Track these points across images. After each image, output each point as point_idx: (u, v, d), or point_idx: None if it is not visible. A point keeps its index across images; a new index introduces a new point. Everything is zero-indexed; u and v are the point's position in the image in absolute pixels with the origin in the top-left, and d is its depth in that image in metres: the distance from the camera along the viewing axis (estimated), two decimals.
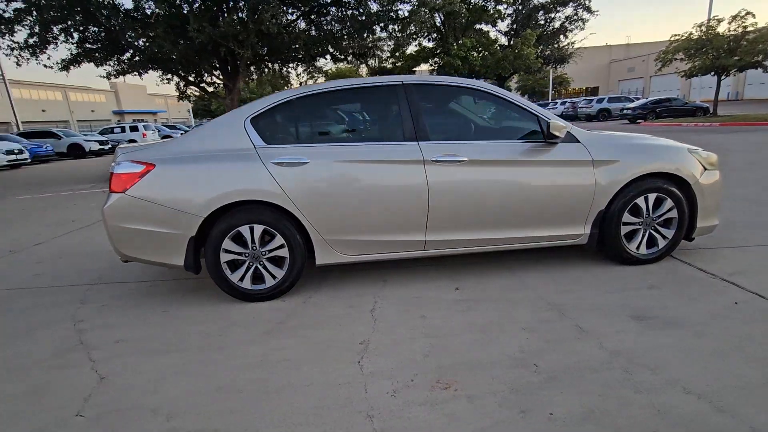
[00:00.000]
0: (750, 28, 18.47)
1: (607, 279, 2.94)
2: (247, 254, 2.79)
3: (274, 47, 10.62)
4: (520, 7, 16.04)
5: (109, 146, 20.66)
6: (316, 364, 2.12)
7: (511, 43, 14.79)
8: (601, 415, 1.64)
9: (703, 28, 19.69)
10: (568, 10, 15.84)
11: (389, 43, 13.21)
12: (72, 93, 45.23)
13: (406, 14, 11.60)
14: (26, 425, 1.77)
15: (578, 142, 2.96)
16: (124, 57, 10.82)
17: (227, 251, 2.75)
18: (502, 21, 17.31)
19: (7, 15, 9.12)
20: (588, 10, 16.13)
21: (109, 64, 10.86)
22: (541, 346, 2.16)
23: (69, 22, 9.40)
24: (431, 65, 15.18)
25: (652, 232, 3.11)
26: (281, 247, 2.80)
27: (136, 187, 2.68)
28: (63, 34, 9.80)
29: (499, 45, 16.27)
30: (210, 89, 12.36)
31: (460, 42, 13.40)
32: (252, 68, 12.60)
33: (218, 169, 2.70)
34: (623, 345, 2.12)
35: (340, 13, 11.17)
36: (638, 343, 2.13)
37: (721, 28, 19.50)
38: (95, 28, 9.86)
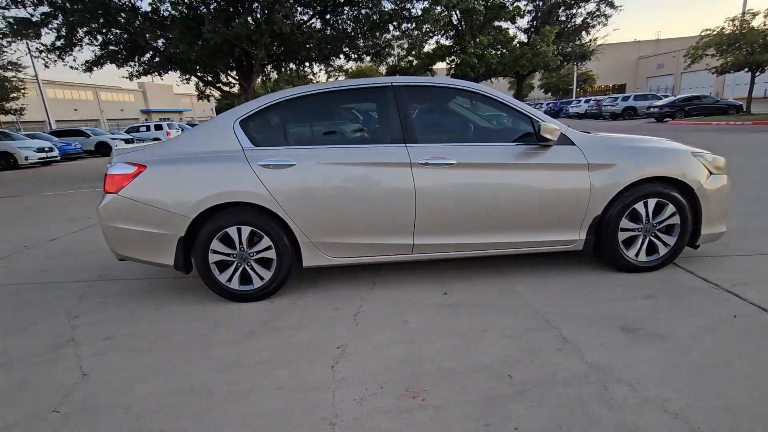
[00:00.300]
0: None
1: (602, 287, 2.84)
2: (235, 255, 2.82)
3: (287, 47, 10.73)
4: (540, 3, 15.67)
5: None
6: (290, 367, 2.12)
7: (530, 40, 14.47)
8: None
9: (737, 23, 18.78)
10: (591, 6, 15.40)
11: (403, 41, 13.12)
12: (102, 93, 46.95)
13: (419, 13, 11.51)
14: (0, 419, 1.84)
15: (573, 144, 2.86)
16: (145, 58, 11.16)
17: (215, 252, 2.79)
18: (522, 18, 16.98)
19: (35, 19, 9.53)
20: (611, 5, 15.59)
21: (131, 65, 11.21)
22: (519, 357, 2.10)
23: (93, 25, 9.74)
24: (448, 63, 15.03)
25: (653, 238, 2.98)
26: (268, 248, 2.81)
27: (128, 187, 2.74)
28: (87, 37, 10.16)
29: (518, 42, 15.97)
30: (226, 89, 12.59)
31: (476, 40, 13.20)
32: (269, 68, 12.77)
33: (206, 170, 2.74)
34: (605, 358, 2.04)
35: (354, 13, 11.17)
36: (621, 356, 2.05)
37: (756, 22, 18.57)
38: (117, 30, 10.19)
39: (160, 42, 10.15)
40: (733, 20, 18.92)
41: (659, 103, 23.44)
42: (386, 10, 10.52)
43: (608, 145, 2.93)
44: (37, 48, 10.30)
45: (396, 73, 15.53)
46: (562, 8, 15.31)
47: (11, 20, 9.38)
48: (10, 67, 17.15)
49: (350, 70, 32.60)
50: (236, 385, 2.00)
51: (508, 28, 16.25)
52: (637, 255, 2.99)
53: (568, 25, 15.73)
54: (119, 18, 9.22)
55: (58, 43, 10.23)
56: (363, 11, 10.91)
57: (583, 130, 3.23)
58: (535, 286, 2.91)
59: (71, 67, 11.16)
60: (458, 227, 2.85)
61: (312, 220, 2.77)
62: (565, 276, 3.05)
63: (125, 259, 2.95)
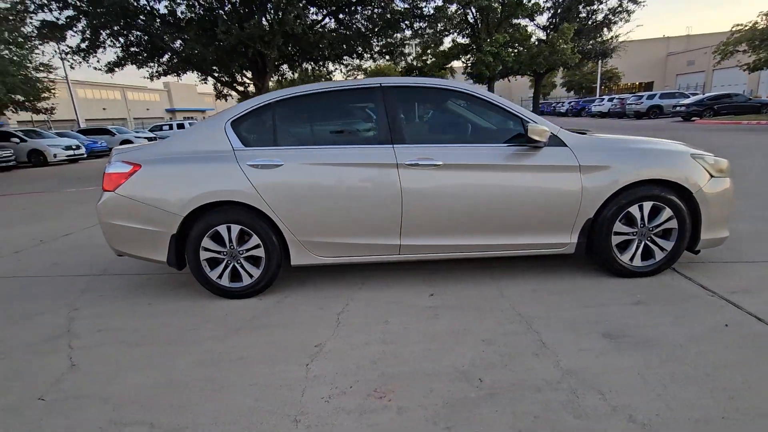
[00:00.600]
0: None
1: (592, 292, 2.78)
2: (225, 253, 2.88)
3: (300, 47, 10.86)
4: (560, 0, 15.32)
5: None
6: (267, 365, 2.16)
7: (548, 38, 14.17)
8: None
9: None
10: (612, 2, 14.94)
11: (416, 40, 13.07)
12: (129, 92, 48.54)
13: (432, 12, 11.43)
14: None
15: (565, 146, 2.81)
16: (164, 59, 11.49)
17: (206, 249, 2.86)
18: (541, 14, 16.65)
19: (60, 22, 9.94)
20: (634, 1, 15.09)
21: (150, 66, 11.56)
22: (494, 361, 2.08)
23: (115, 27, 10.08)
24: (464, 62, 14.88)
25: (648, 243, 2.89)
26: (257, 246, 2.87)
27: (124, 186, 2.84)
28: (110, 39, 10.53)
29: (537, 40, 15.68)
30: (241, 89, 12.84)
31: (492, 38, 13.02)
32: (284, 67, 12.94)
33: (197, 170, 2.81)
34: (581, 364, 2.00)
35: (366, 12, 11.19)
36: (598, 363, 2.00)
37: None
38: (137, 33, 10.52)
39: (178, 43, 10.43)
40: (767, 15, 18.07)
41: (686, 101, 22.59)
42: (398, 9, 10.50)
43: (602, 146, 2.86)
44: (63, 50, 10.74)
45: (412, 71, 15.49)
46: (583, 4, 14.93)
47: (38, 24, 9.80)
48: (42, 69, 17.87)
49: (369, 69, 32.67)
50: (213, 381, 2.05)
51: (526, 26, 15.98)
52: (631, 260, 2.91)
53: (589, 22, 15.32)
54: (138, 20, 9.51)
55: (82, 45, 10.64)
56: (375, 11, 10.92)
57: (580, 130, 3.16)
58: (524, 289, 2.87)
59: (95, 68, 11.61)
60: (445, 229, 2.84)
61: (299, 220, 2.81)
62: (557, 280, 3.00)
63: (123, 254, 3.06)
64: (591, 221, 2.83)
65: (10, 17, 10.55)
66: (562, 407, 1.72)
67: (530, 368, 2.00)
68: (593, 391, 1.80)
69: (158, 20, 9.74)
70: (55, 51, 10.23)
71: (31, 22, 10.01)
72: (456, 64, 16.43)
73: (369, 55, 12.31)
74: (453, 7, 12.88)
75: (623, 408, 1.69)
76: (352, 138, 3.06)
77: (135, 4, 9.03)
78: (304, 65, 13.31)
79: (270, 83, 12.43)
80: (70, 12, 9.74)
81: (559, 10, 15.89)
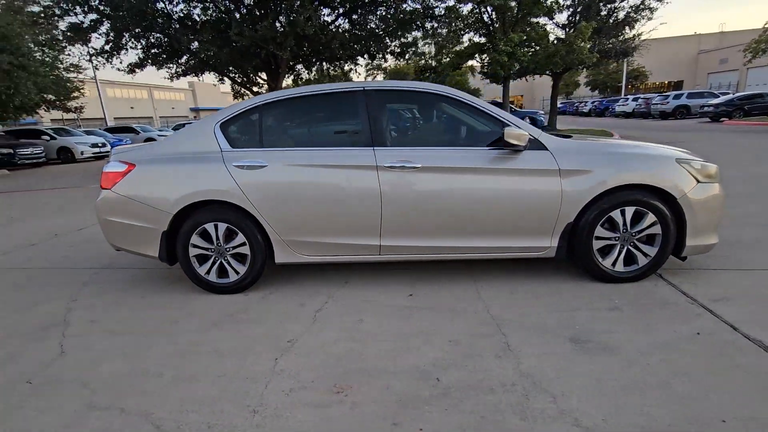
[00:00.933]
0: None
1: (570, 296, 2.77)
2: (213, 250, 3.00)
3: (312, 48, 11.02)
4: None
5: None
6: (238, 357, 2.26)
7: (566, 36, 13.89)
8: None
9: None
10: None
11: (428, 41, 13.04)
12: (156, 91, 50.10)
13: (443, 12, 11.38)
14: None
15: (546, 149, 2.80)
16: (182, 60, 11.86)
17: (195, 246, 2.99)
18: (560, 13, 16.33)
19: (85, 25, 10.39)
20: None
21: (169, 67, 11.95)
22: (455, 361, 2.11)
23: (136, 30, 10.48)
24: (478, 62, 14.76)
25: (631, 248, 2.86)
26: (243, 244, 2.97)
27: (120, 184, 2.99)
28: (132, 41, 10.95)
29: (557, 38, 15.40)
30: (255, 89, 13.11)
31: (507, 37, 12.87)
32: (299, 67, 13.15)
33: (187, 170, 2.93)
34: (540, 368, 2.01)
35: (380, 12, 11.25)
36: (558, 367, 2.01)
37: None
38: (158, 35, 10.89)
39: (195, 45, 10.75)
40: None
41: (715, 101, 21.74)
42: (408, 9, 10.52)
43: (584, 150, 2.84)
44: (88, 52, 11.23)
45: (426, 71, 15.46)
46: (603, 2, 14.55)
47: (65, 28, 10.29)
48: (72, 69, 18.65)
49: (389, 68, 32.70)
50: (185, 371, 2.16)
51: (545, 25, 15.71)
52: (613, 265, 2.88)
53: (609, 21, 14.92)
54: (156, 23, 9.86)
55: (106, 47, 11.09)
56: (386, 11, 10.96)
57: (564, 135, 3.15)
58: (502, 292, 2.89)
59: (118, 69, 12.08)
60: (424, 230, 2.88)
61: (282, 219, 2.90)
62: (537, 283, 3.00)
63: (120, 249, 3.22)
64: (571, 225, 2.82)
65: (41, 20, 11.09)
66: (511, 409, 1.75)
67: (489, 370, 2.03)
68: (545, 395, 1.82)
69: (175, 23, 10.08)
70: (80, 53, 10.75)
71: (58, 26, 10.51)
72: (471, 63, 16.31)
73: (381, 55, 12.39)
74: (468, 7, 12.80)
75: (571, 412, 1.71)
76: (335, 140, 3.13)
77: (152, 7, 9.37)
78: (319, 65, 13.48)
79: (285, 83, 12.66)
80: (94, 16, 10.19)
81: (579, 8, 15.55)
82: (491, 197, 2.79)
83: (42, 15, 10.48)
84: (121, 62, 11.79)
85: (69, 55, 15.90)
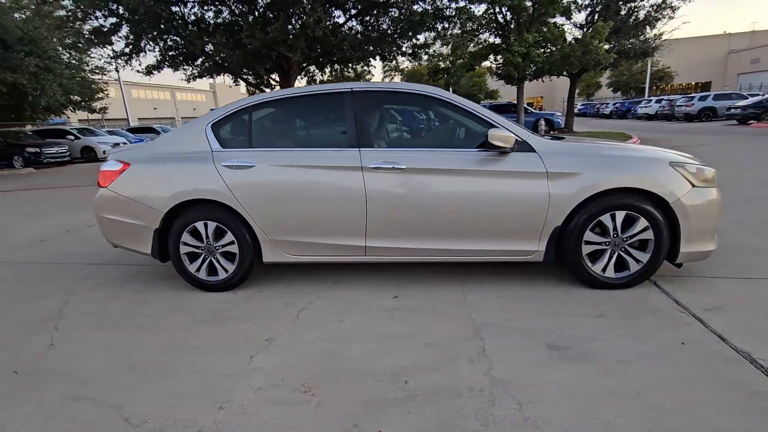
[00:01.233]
0: None
1: (557, 301, 2.71)
2: (202, 248, 3.06)
3: (324, 50, 11.12)
4: None
5: None
6: (216, 354, 2.30)
7: (583, 36, 13.60)
8: None
9: None
10: None
11: (439, 41, 12.97)
12: (178, 93, 51.43)
13: (454, 13, 11.30)
14: None
15: (534, 151, 2.76)
16: (197, 62, 12.14)
17: (186, 244, 3.05)
18: (579, 12, 16.03)
19: (105, 29, 10.76)
20: None
21: (185, 69, 12.25)
22: (428, 364, 2.10)
23: (154, 33, 10.79)
24: (491, 62, 14.60)
25: (622, 254, 2.78)
26: (232, 243, 3.02)
27: (115, 183, 3.09)
28: (150, 44, 11.28)
29: (574, 39, 15.11)
30: (268, 90, 13.31)
31: (521, 37, 12.69)
32: (312, 69, 13.29)
33: (178, 169, 3.00)
34: (512, 374, 1.98)
35: (392, 13, 11.27)
36: (531, 373, 1.98)
37: None
38: (175, 38, 11.19)
39: (209, 47, 10.99)
40: None
41: (742, 103, 20.92)
42: (419, 10, 10.49)
43: (573, 153, 2.78)
44: (109, 54, 11.63)
45: (439, 73, 15.41)
46: (623, 1, 14.18)
47: (86, 31, 10.67)
48: (97, 71, 19.31)
49: (406, 70, 32.65)
50: (165, 366, 2.21)
51: (563, 24, 15.44)
52: (604, 270, 2.81)
53: (629, 20, 14.53)
54: (171, 26, 10.12)
55: (126, 50, 11.45)
56: (399, 12, 10.96)
57: (558, 137, 3.09)
58: (488, 296, 2.85)
59: (137, 71, 12.47)
60: (410, 232, 2.86)
61: (269, 218, 2.93)
62: (525, 287, 2.95)
63: (117, 246, 3.31)
64: (559, 229, 2.76)
65: (67, 24, 11.53)
66: (474, 414, 1.72)
67: (460, 374, 2.00)
68: (512, 401, 1.79)
69: (189, 26, 10.33)
70: (101, 56, 11.17)
71: (81, 29, 10.93)
72: (486, 64, 16.15)
73: (393, 57, 12.40)
74: (482, 7, 12.68)
75: (535, 419, 1.67)
76: (322, 141, 3.15)
77: (167, 11, 9.62)
78: (333, 66, 13.59)
79: (298, 85, 12.82)
80: (114, 20, 10.54)
81: (598, 8, 15.23)
82: (477, 199, 2.76)
83: (66, 18, 10.89)
84: (140, 64, 12.14)
85: (92, 57, 16.44)
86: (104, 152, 17.46)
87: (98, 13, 10.23)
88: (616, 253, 2.79)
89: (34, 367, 2.24)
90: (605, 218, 2.72)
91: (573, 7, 14.99)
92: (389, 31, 11.69)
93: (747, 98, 22.54)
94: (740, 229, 3.95)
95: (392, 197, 2.81)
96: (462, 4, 11.71)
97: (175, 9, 10.06)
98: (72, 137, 17.51)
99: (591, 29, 13.70)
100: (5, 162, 15.30)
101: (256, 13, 9.86)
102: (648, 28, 14.80)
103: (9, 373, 2.20)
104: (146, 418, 1.80)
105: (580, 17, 17.09)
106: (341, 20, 11.19)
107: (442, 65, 14.87)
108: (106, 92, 19.61)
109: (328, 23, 9.60)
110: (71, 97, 18.09)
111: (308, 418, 1.75)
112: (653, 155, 2.78)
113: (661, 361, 2.01)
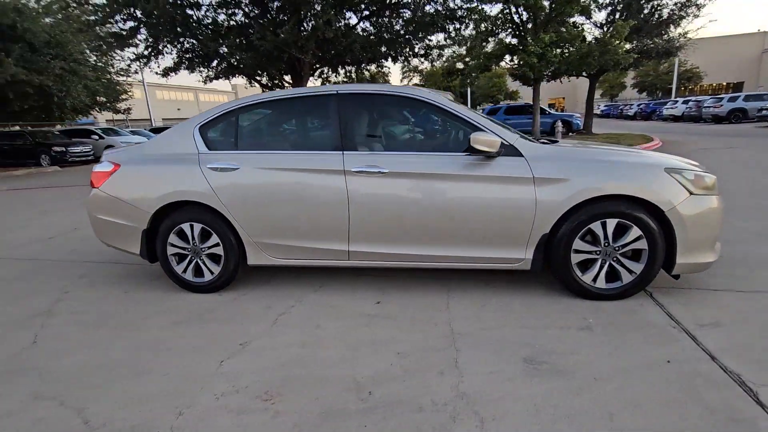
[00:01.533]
0: None
1: (542, 312, 2.61)
2: (189, 249, 3.08)
3: (335, 51, 11.15)
4: None
5: None
6: (188, 357, 2.29)
7: (601, 36, 13.21)
8: None
9: None
10: None
11: (452, 42, 12.80)
12: (201, 94, 52.67)
13: (465, 13, 11.14)
14: None
15: (521, 156, 2.66)
16: (213, 64, 12.37)
17: (173, 245, 3.07)
18: (599, 11, 15.59)
19: (124, 33, 11.09)
20: None
21: (201, 71, 12.50)
22: (396, 375, 2.04)
23: (171, 36, 11.05)
24: (507, 63, 14.34)
25: (614, 263, 2.66)
26: (217, 245, 3.02)
27: (106, 183, 3.14)
28: (168, 46, 11.56)
29: (594, 38, 14.71)
30: None
31: (537, 37, 12.43)
32: (325, 70, 13.35)
33: (165, 171, 3.03)
34: (481, 388, 1.90)
35: (404, 15, 11.22)
36: (500, 388, 1.89)
37: None
38: (192, 40, 11.43)
39: (223, 50, 11.18)
40: None
41: None
42: (430, 11, 10.40)
43: (562, 158, 2.67)
44: (129, 57, 11.98)
45: (453, 74, 15.22)
46: (645, 0, 13.71)
47: (106, 34, 11.03)
48: (122, 73, 19.92)
49: (425, 71, 32.48)
50: (137, 367, 2.22)
51: (582, 24, 15.06)
52: (594, 280, 2.69)
53: (651, 19, 14.03)
54: (187, 29, 10.34)
55: (145, 53, 11.77)
56: (411, 13, 10.90)
57: (551, 140, 2.98)
58: (472, 304, 2.76)
59: (156, 73, 12.80)
60: (393, 237, 2.81)
61: (252, 221, 2.92)
62: (512, 296, 2.85)
63: (109, 245, 3.37)
64: (547, 237, 2.65)
65: (90, 27, 11.93)
66: (432, 430, 1.65)
67: (426, 387, 1.94)
68: (474, 418, 1.71)
69: (204, 28, 10.53)
70: (121, 58, 11.52)
71: (102, 32, 11.30)
72: (503, 65, 15.88)
73: (404, 58, 12.34)
74: (497, 7, 12.47)
75: None
76: (306, 144, 3.12)
77: (182, 14, 9.83)
78: (347, 68, 13.62)
79: (311, 85, 12.90)
80: (132, 23, 10.87)
81: (618, 6, 14.79)
82: (461, 205, 2.68)
83: (88, 22, 11.28)
84: (158, 66, 12.46)
85: (114, 58, 16.97)
86: None
87: (117, 17, 10.56)
88: (608, 263, 2.66)
89: (12, 365, 2.29)
90: (595, 226, 2.60)
91: (593, 6, 14.58)
92: (402, 32, 11.63)
93: None
94: (754, 238, 3.74)
95: (375, 202, 2.76)
96: (474, 4, 11.54)
97: (189, 12, 10.28)
98: (96, 137, 18.07)
99: (611, 28, 13.29)
100: (33, 160, 15.95)
101: (269, 15, 9.98)
102: (672, 26, 14.26)
103: None
104: (105, 422, 1.80)
105: (600, 16, 16.58)
106: (353, 21, 11.23)
107: (460, 66, 14.67)
108: (130, 93, 20.19)
109: (339, 24, 9.61)
110: (97, 98, 18.70)
111: (264, 428, 1.72)
112: (647, 161, 2.65)
113: (640, 381, 1.90)
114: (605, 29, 14.68)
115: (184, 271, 3.12)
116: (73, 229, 5.46)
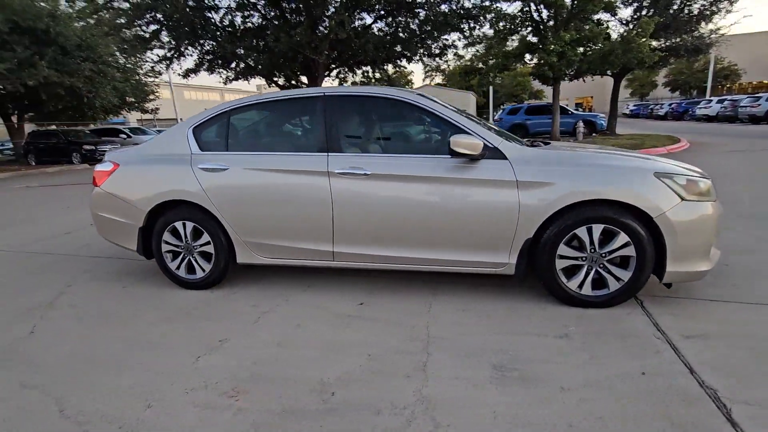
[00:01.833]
0: None
1: (524, 318, 2.56)
2: (182, 247, 3.17)
3: (351, 52, 11.22)
4: None
5: None
6: (168, 352, 2.37)
7: (625, 34, 12.76)
8: None
9: None
10: None
11: (465, 42, 12.64)
12: (227, 94, 53.94)
13: (479, 12, 10.98)
14: None
15: (505, 159, 2.62)
16: (231, 66, 12.67)
17: (167, 242, 3.18)
18: (626, 7, 15.09)
19: (147, 35, 11.50)
20: None
21: (220, 72, 12.82)
22: (362, 377, 2.05)
23: (192, 38, 11.38)
24: (526, 63, 14.06)
25: (601, 270, 2.58)
26: (208, 243, 3.11)
27: (106, 182, 3.27)
28: (189, 48, 11.92)
29: (619, 36, 14.25)
30: None
31: (557, 35, 12.14)
32: (340, 70, 13.46)
33: (159, 171, 3.13)
34: (444, 393, 1.89)
35: (419, 15, 11.17)
36: (463, 394, 1.88)
37: None
38: (212, 42, 11.74)
39: (240, 51, 11.44)
40: None
41: None
42: (443, 11, 10.31)
43: (548, 161, 2.61)
44: (152, 59, 12.42)
45: (472, 73, 15.05)
46: None
47: (131, 37, 11.47)
48: (150, 74, 20.63)
49: (447, 70, 32.29)
50: (120, 361, 2.30)
51: (608, 21, 14.61)
52: (580, 287, 2.62)
53: (681, 15, 13.45)
54: (206, 31, 10.62)
55: (168, 55, 12.17)
56: (426, 13, 10.85)
57: (544, 141, 2.92)
58: (454, 308, 2.74)
59: (178, 74, 13.20)
60: (376, 239, 2.81)
61: (241, 221, 2.99)
62: (496, 301, 2.81)
63: (110, 241, 3.51)
64: (531, 242, 2.60)
65: (115, 30, 12.43)
66: None
67: (390, 390, 1.94)
68: (429, 423, 1.70)
69: (222, 31, 10.81)
70: (144, 60, 11.94)
71: (125, 36, 11.76)
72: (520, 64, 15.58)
73: (419, 58, 12.30)
74: (516, 5, 12.26)
75: None
76: (293, 145, 3.16)
77: (201, 16, 10.11)
78: (363, 68, 13.69)
79: (327, 86, 13.03)
80: (154, 26, 11.26)
81: (645, 2, 14.25)
82: (443, 208, 2.66)
83: (114, 26, 11.76)
84: (180, 67, 12.87)
85: (142, 60, 17.58)
86: None
87: (140, 21, 10.97)
88: (594, 270, 2.59)
89: (6, 354, 2.42)
90: (581, 231, 2.53)
91: (618, 1, 14.13)
92: (417, 31, 11.59)
93: None
94: (762, 247, 3.55)
95: (358, 203, 2.77)
96: (487, 3, 11.37)
97: (208, 15, 10.57)
98: (124, 136, 18.81)
99: (636, 25, 12.85)
100: (66, 158, 16.76)
101: (284, 17, 10.15)
102: (703, 22, 13.64)
103: None
104: (79, 411, 1.88)
105: (626, 13, 16.00)
106: (368, 21, 11.26)
107: (480, 65, 14.50)
108: (157, 94, 20.89)
109: (353, 25, 9.67)
110: (125, 98, 19.44)
111: (225, 425, 1.76)
112: (637, 164, 2.55)
113: (609, 392, 1.84)
114: (631, 26, 14.17)
115: (178, 268, 3.22)
116: (90, 225, 5.69)
